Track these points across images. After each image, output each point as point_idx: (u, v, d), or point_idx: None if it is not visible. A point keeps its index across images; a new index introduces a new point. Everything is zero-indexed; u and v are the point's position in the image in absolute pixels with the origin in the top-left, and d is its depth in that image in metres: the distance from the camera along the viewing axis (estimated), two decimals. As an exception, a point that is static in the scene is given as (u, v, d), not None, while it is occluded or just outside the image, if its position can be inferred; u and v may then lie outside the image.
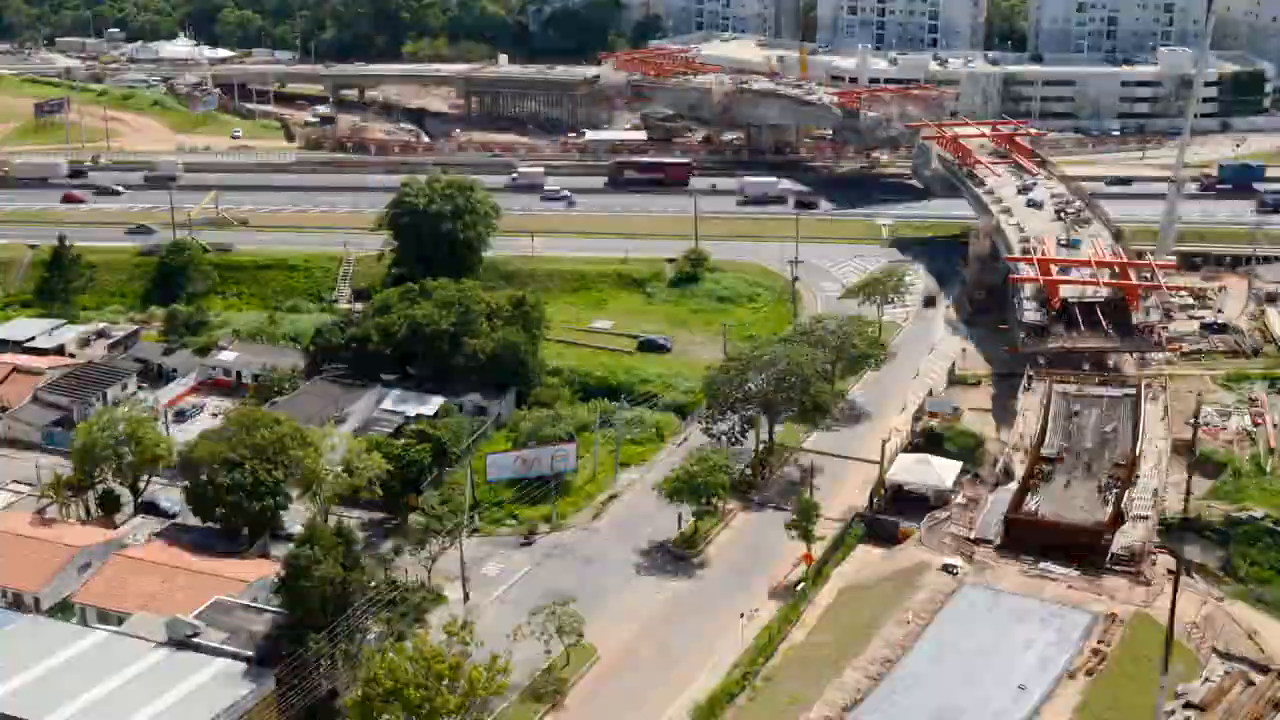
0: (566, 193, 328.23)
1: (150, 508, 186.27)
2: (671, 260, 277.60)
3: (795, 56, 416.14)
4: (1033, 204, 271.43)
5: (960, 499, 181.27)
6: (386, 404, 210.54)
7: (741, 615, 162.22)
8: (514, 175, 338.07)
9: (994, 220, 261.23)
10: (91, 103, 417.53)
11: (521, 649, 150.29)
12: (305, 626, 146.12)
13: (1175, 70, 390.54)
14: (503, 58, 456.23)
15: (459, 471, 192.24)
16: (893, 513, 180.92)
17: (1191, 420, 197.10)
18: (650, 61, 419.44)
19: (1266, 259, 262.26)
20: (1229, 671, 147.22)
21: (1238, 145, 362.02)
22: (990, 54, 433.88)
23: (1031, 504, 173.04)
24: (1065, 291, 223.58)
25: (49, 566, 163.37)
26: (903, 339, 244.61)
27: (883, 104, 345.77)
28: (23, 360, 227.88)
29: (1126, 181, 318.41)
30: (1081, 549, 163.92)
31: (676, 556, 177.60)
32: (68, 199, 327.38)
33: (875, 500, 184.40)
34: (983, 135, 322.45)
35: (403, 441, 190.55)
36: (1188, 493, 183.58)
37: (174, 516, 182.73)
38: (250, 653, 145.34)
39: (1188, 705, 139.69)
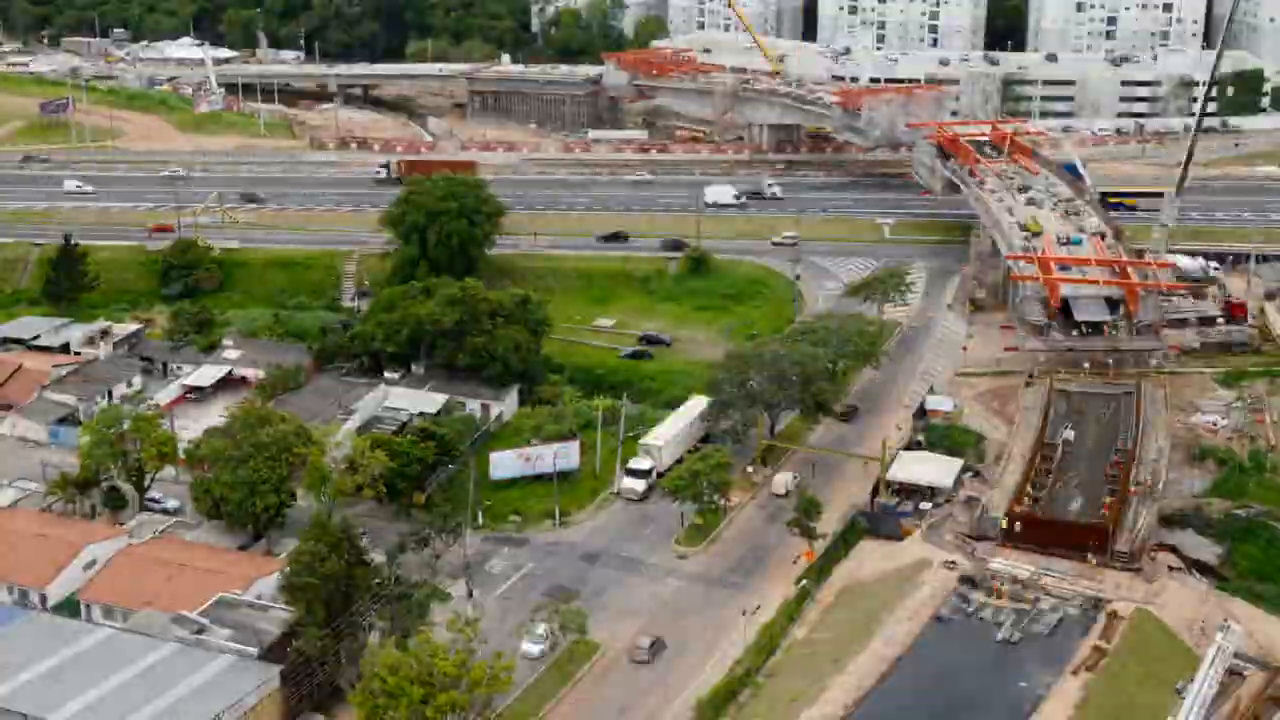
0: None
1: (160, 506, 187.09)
2: (674, 258, 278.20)
3: (797, 55, 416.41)
4: (1033, 202, 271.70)
5: (961, 496, 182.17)
6: (390, 402, 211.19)
7: (744, 612, 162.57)
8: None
9: (994, 218, 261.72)
10: (97, 102, 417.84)
11: (525, 645, 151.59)
12: (310, 623, 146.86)
13: (1174, 70, 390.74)
14: (505, 57, 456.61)
15: (462, 469, 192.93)
16: (894, 510, 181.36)
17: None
18: (652, 62, 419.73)
19: (1266, 258, 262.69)
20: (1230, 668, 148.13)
21: (1236, 145, 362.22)
22: (990, 53, 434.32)
23: (1032, 500, 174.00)
24: (1065, 291, 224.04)
25: (55, 563, 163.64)
26: (904, 336, 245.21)
27: (884, 103, 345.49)
28: (29, 358, 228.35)
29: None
30: (1083, 545, 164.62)
31: (679, 554, 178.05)
32: None
33: (876, 497, 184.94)
34: (982, 134, 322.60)
35: (407, 439, 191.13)
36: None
37: (172, 513, 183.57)
38: (255, 649, 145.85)
39: None
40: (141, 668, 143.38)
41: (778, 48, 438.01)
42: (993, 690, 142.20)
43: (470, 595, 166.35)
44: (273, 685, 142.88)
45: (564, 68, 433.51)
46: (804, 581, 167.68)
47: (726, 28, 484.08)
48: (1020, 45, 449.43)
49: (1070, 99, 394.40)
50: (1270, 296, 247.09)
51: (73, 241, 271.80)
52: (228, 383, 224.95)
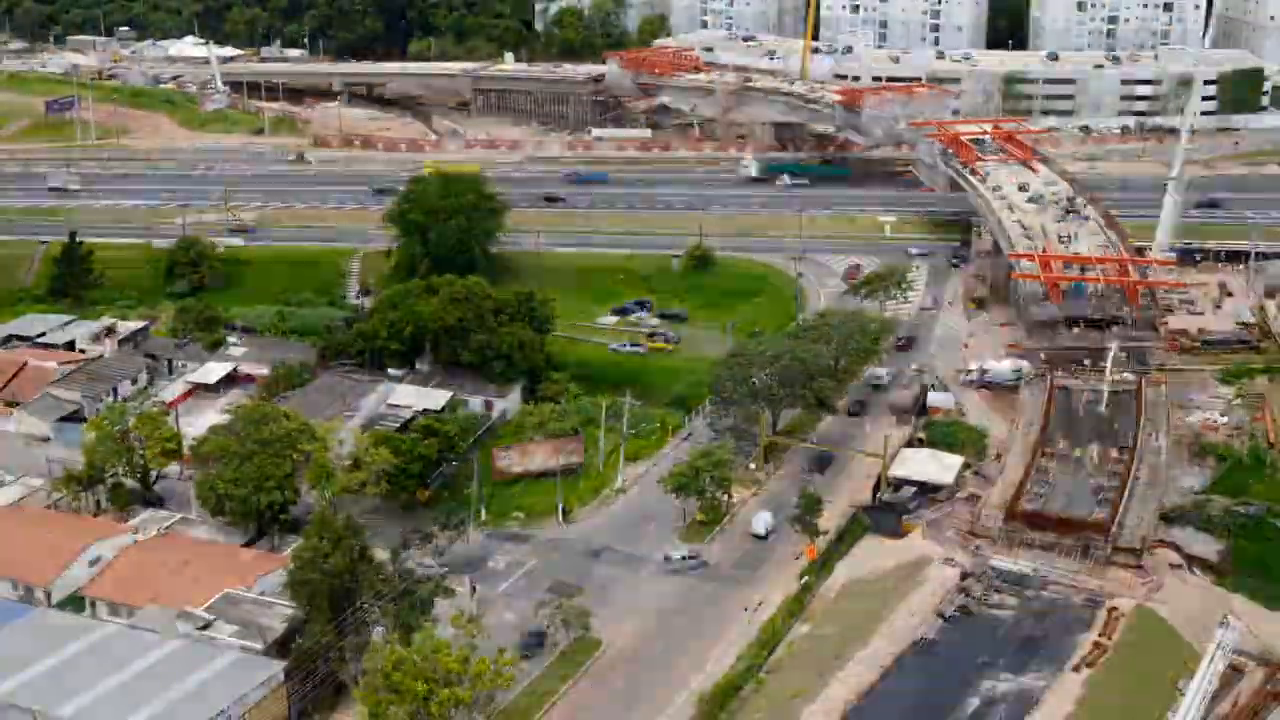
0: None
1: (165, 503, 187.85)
2: (677, 256, 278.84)
3: (798, 55, 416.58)
4: (1034, 200, 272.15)
5: (962, 493, 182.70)
6: (394, 399, 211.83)
7: (746, 608, 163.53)
8: None
9: (996, 216, 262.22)
10: (102, 101, 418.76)
11: (528, 641, 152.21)
12: (314, 619, 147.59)
13: (1174, 68, 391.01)
14: (509, 56, 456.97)
15: (466, 466, 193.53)
16: (896, 507, 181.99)
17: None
18: (654, 60, 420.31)
19: (1265, 255, 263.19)
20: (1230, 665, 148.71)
21: (1236, 143, 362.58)
22: (993, 51, 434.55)
23: (1033, 497, 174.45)
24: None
25: (60, 560, 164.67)
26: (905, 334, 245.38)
27: (885, 102, 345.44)
28: (34, 356, 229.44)
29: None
30: (1083, 542, 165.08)
31: (681, 551, 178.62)
32: None
33: (878, 494, 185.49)
34: (983, 133, 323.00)
35: (410, 436, 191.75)
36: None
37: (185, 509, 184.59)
38: (260, 645, 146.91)
39: None
40: (146, 664, 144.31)
41: (780, 47, 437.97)
42: (994, 686, 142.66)
43: (473, 591, 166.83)
44: (277, 681, 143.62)
45: (567, 66, 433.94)
46: (806, 578, 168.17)
47: (728, 26, 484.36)
48: (1021, 44, 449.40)
49: (1071, 98, 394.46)
50: (1270, 294, 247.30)
51: (78, 239, 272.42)
52: (233, 380, 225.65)
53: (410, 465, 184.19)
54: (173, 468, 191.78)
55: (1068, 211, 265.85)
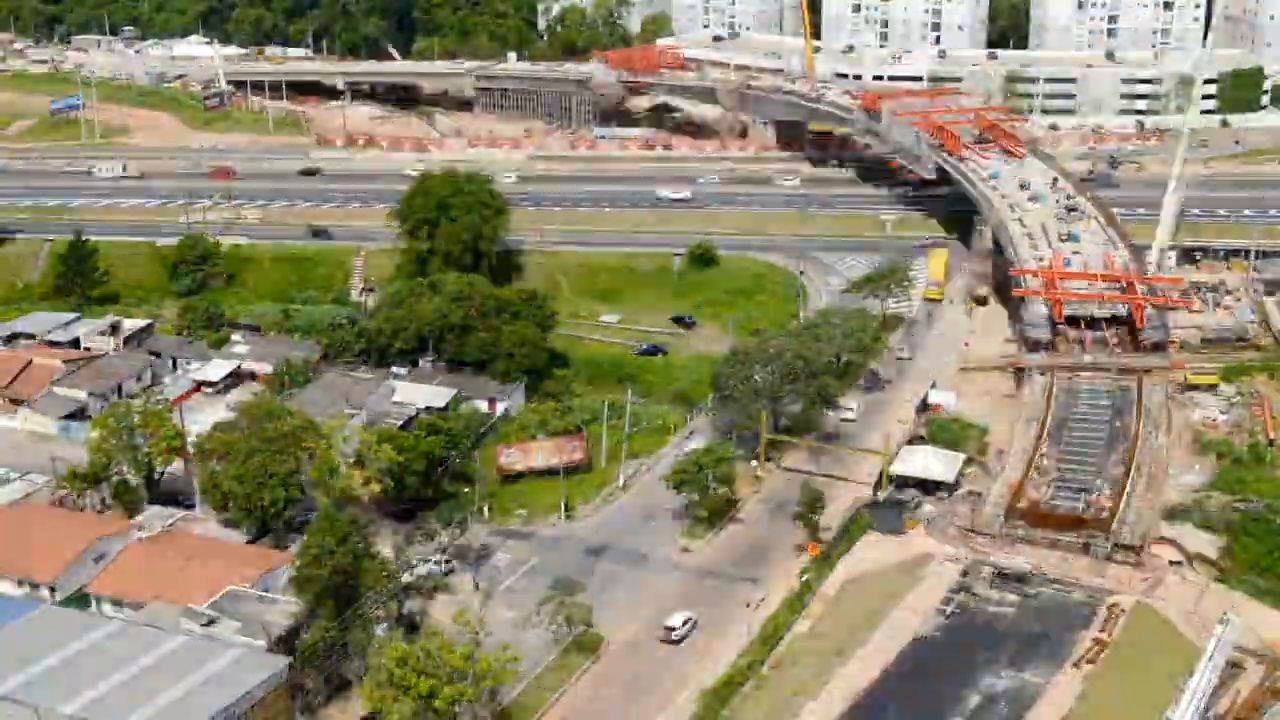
0: None
1: (170, 500, 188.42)
2: (679, 255, 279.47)
3: (800, 54, 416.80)
4: (1035, 199, 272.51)
5: (963, 490, 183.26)
6: (398, 396, 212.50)
7: (748, 605, 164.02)
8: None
9: (997, 215, 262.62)
10: (106, 100, 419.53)
11: (530, 638, 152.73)
12: (318, 615, 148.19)
13: (1175, 67, 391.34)
14: (511, 55, 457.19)
15: (469, 463, 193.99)
16: (897, 504, 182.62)
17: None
18: (636, 59, 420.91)
19: (1265, 253, 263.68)
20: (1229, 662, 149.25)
21: (1237, 142, 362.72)
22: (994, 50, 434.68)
23: (1033, 494, 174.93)
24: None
25: (65, 556, 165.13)
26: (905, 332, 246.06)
27: (903, 106, 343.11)
28: (39, 353, 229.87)
29: None
30: (1084, 539, 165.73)
31: (683, 547, 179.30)
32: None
33: (879, 491, 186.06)
34: (967, 121, 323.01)
35: (414, 433, 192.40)
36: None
37: (191, 506, 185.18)
38: (264, 641, 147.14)
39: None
40: (151, 660, 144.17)
41: (780, 47, 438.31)
42: (994, 683, 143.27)
43: (477, 588, 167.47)
44: (281, 678, 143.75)
45: (569, 66, 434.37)
46: (808, 575, 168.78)
47: (730, 26, 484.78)
48: (1022, 43, 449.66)
49: (1072, 96, 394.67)
50: (1270, 292, 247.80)
51: (83, 237, 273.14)
52: (237, 377, 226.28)
53: (414, 462, 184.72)
54: (177, 465, 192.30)
55: (1069, 210, 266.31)
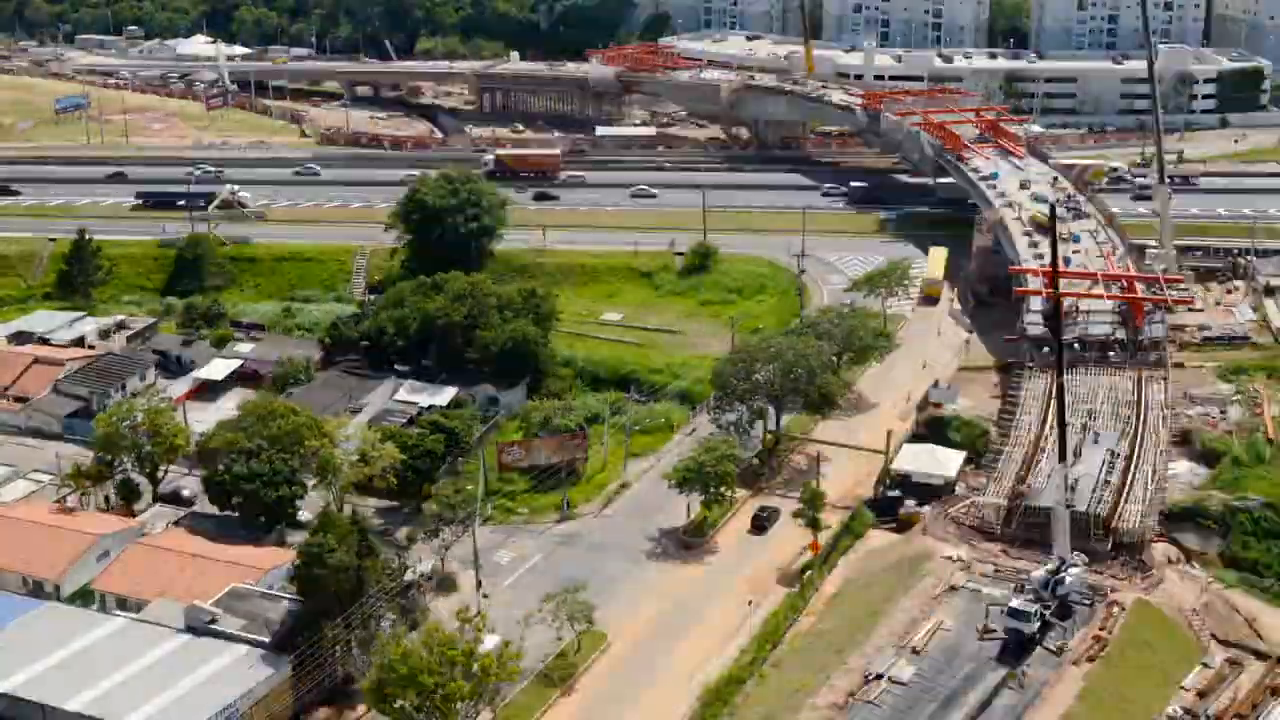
0: None
1: (173, 498, 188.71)
2: (680, 253, 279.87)
3: (801, 53, 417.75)
4: (1037, 199, 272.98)
5: (964, 488, 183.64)
6: (400, 395, 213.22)
7: (749, 602, 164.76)
8: None
9: (997, 214, 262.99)
10: (110, 100, 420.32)
11: (533, 635, 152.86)
12: (321, 613, 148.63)
13: (1174, 67, 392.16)
14: (514, 55, 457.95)
15: (472, 461, 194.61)
16: (898, 502, 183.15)
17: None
18: (631, 57, 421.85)
19: (1264, 253, 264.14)
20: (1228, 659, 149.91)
21: (1236, 141, 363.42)
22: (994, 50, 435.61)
23: (1034, 491, 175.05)
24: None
25: (69, 554, 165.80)
26: (908, 331, 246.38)
27: (905, 105, 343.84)
28: (43, 352, 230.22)
29: None
30: (1083, 536, 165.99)
31: (685, 545, 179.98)
32: None
33: (880, 490, 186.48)
34: (967, 120, 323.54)
35: (416, 431, 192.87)
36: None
37: (192, 503, 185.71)
38: (267, 639, 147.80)
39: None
40: (154, 657, 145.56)
41: (782, 46, 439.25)
42: (994, 680, 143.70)
43: (479, 586, 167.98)
44: (284, 675, 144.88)
45: (570, 65, 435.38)
46: (809, 572, 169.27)
47: (731, 25, 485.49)
48: (1023, 44, 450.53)
49: (1072, 96, 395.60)
50: (1269, 292, 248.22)
51: (86, 236, 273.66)
52: (240, 376, 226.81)
53: (417, 461, 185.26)
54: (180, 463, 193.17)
55: (1069, 209, 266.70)
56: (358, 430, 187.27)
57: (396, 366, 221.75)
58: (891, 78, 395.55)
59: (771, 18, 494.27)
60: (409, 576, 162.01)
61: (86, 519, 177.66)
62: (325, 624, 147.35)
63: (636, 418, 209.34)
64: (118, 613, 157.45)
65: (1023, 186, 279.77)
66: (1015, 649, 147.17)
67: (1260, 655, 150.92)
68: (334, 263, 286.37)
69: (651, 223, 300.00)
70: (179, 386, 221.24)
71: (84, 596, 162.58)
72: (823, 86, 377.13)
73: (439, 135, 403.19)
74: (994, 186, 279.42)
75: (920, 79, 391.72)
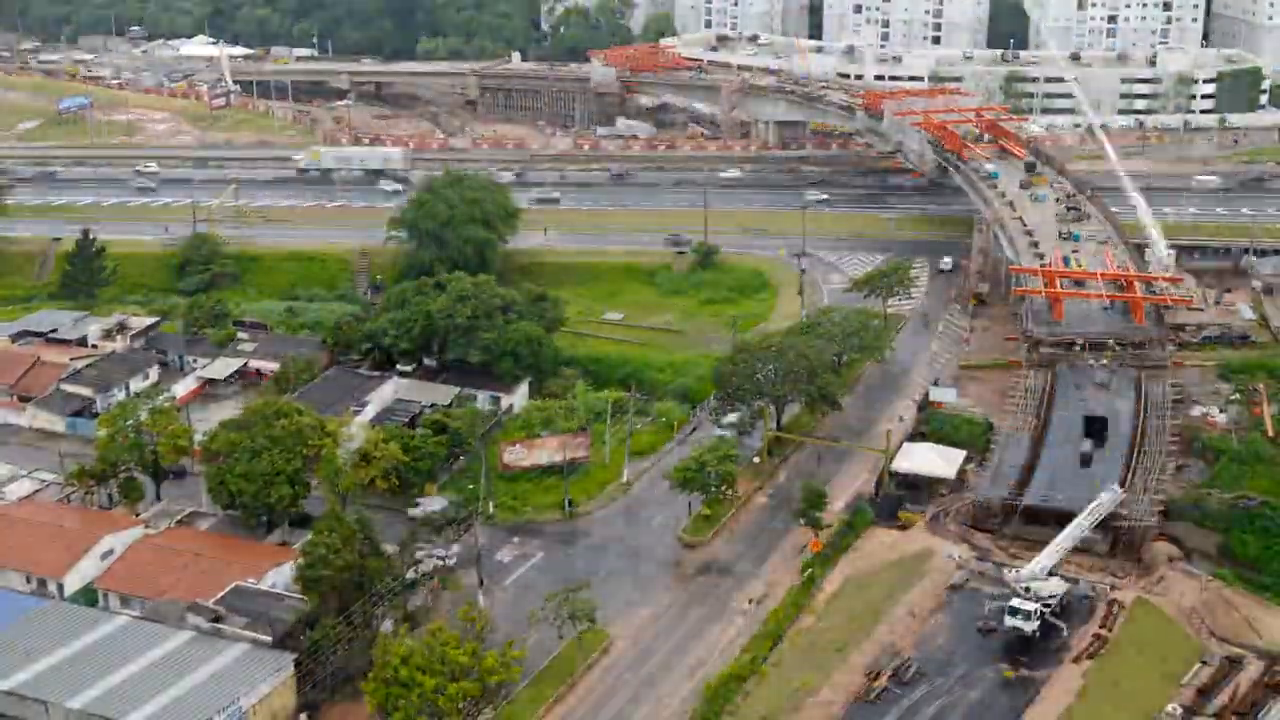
0: None
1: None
2: (681, 251, 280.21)
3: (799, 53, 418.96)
4: (1037, 199, 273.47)
5: (964, 486, 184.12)
6: (403, 394, 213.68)
7: (750, 601, 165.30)
8: None
9: (997, 213, 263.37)
10: (113, 100, 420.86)
11: (535, 634, 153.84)
12: (324, 612, 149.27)
13: (1173, 67, 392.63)
14: (515, 56, 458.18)
15: (474, 461, 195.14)
16: (898, 501, 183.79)
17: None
18: (638, 58, 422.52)
19: (1263, 252, 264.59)
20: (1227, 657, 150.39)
21: (1235, 141, 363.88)
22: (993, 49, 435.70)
23: (1034, 488, 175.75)
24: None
25: (72, 553, 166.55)
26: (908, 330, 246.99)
27: (906, 105, 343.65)
28: (47, 351, 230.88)
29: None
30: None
31: (686, 544, 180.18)
32: None
33: (881, 488, 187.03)
34: (966, 120, 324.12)
35: (419, 431, 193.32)
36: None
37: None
38: (270, 638, 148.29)
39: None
40: (158, 655, 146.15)
41: (782, 47, 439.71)
42: (995, 677, 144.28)
43: (481, 585, 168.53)
44: (287, 673, 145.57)
45: (570, 65, 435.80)
46: (810, 570, 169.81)
47: (733, 25, 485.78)
48: (1023, 43, 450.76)
49: (1071, 95, 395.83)
50: (1268, 291, 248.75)
51: (91, 236, 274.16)
52: (243, 376, 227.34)
53: (419, 460, 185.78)
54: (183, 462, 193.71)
55: (1069, 209, 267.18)
56: (360, 430, 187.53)
57: (399, 366, 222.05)
58: (892, 78, 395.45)
59: (772, 17, 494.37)
60: (411, 575, 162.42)
61: (90, 518, 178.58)
62: (328, 623, 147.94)
63: (638, 417, 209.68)
64: (121, 611, 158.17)
65: (1022, 186, 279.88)
66: (1015, 646, 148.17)
67: (1260, 653, 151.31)
68: (337, 262, 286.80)
69: (653, 223, 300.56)
70: (182, 386, 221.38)
71: (87, 595, 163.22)
72: (823, 87, 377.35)
73: (440, 135, 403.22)
74: (994, 186, 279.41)
75: (920, 79, 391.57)
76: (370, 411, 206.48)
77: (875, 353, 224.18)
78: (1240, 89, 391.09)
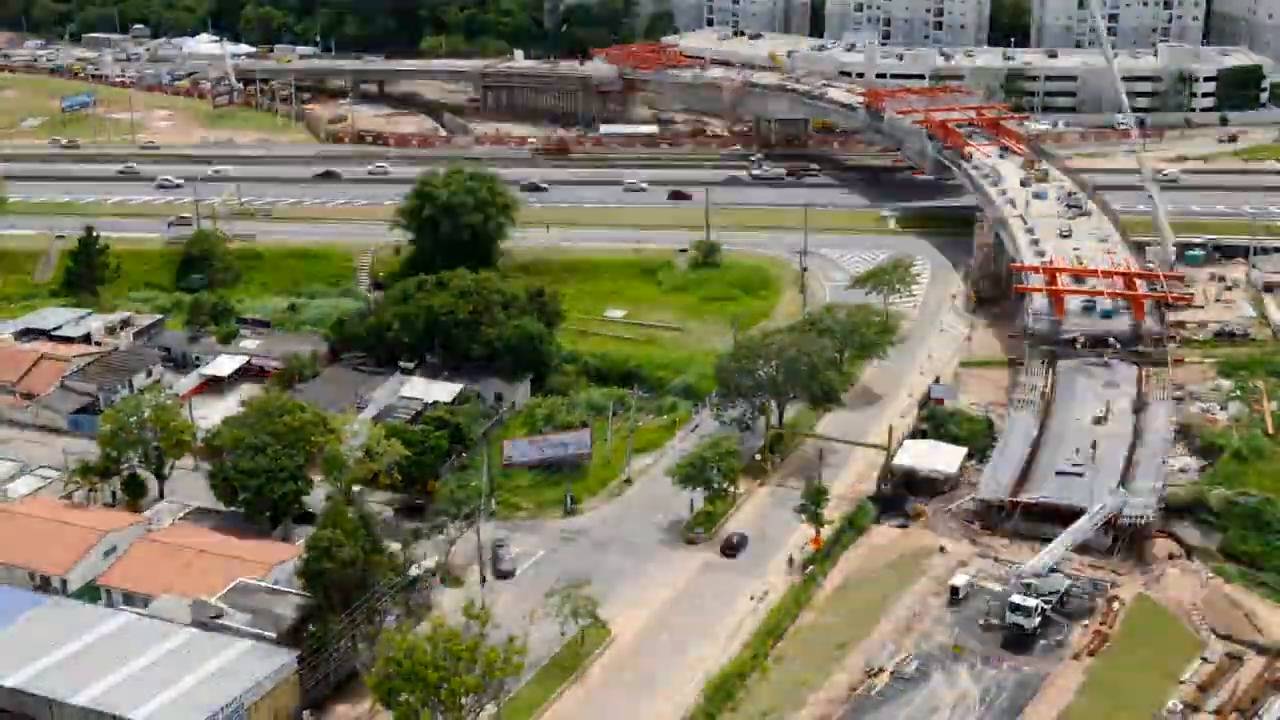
0: None
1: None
2: (683, 250, 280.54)
3: (803, 52, 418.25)
4: (1038, 196, 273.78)
5: (965, 484, 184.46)
6: (405, 391, 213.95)
7: (752, 597, 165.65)
8: None
9: (999, 211, 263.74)
10: (116, 98, 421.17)
11: (538, 630, 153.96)
12: (326, 608, 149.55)
13: (1174, 65, 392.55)
14: (518, 53, 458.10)
15: (476, 457, 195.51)
16: (901, 498, 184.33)
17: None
18: (635, 55, 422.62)
19: (1265, 249, 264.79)
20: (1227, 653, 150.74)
21: (1235, 139, 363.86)
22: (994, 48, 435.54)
23: (1034, 488, 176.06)
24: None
25: (76, 550, 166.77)
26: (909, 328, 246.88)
27: (907, 103, 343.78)
28: (50, 348, 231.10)
29: None
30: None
31: (688, 540, 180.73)
32: None
33: (882, 485, 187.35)
34: (968, 118, 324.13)
35: (421, 427, 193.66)
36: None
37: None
38: (273, 634, 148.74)
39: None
40: (161, 652, 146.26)
41: (782, 44, 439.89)
42: (996, 675, 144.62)
43: (484, 582, 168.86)
44: (290, 669, 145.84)
45: (565, 64, 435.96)
46: (811, 567, 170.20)
47: (734, 24, 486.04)
48: (1023, 41, 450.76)
49: (1072, 94, 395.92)
50: (1268, 288, 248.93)
51: (94, 234, 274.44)
52: (246, 372, 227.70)
53: (422, 456, 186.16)
54: (187, 459, 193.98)
55: (1069, 206, 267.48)
56: (363, 426, 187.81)
57: (401, 363, 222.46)
58: (893, 76, 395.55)
59: (774, 16, 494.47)
60: (414, 571, 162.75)
61: (93, 515, 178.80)
62: (331, 619, 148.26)
63: (640, 413, 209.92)
64: (124, 608, 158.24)
65: (1024, 184, 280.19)
66: (1017, 642, 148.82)
67: (1260, 649, 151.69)
68: (340, 259, 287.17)
69: (653, 221, 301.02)
70: (185, 383, 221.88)
71: (90, 592, 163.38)
72: (825, 85, 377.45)
73: (443, 133, 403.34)
74: (995, 184, 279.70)
75: (921, 77, 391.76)
76: (372, 408, 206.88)
77: (877, 350, 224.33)
78: (1241, 87, 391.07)
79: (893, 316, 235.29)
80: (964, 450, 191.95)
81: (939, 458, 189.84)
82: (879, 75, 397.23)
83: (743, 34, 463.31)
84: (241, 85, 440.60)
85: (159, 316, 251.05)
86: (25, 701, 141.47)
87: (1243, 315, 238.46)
